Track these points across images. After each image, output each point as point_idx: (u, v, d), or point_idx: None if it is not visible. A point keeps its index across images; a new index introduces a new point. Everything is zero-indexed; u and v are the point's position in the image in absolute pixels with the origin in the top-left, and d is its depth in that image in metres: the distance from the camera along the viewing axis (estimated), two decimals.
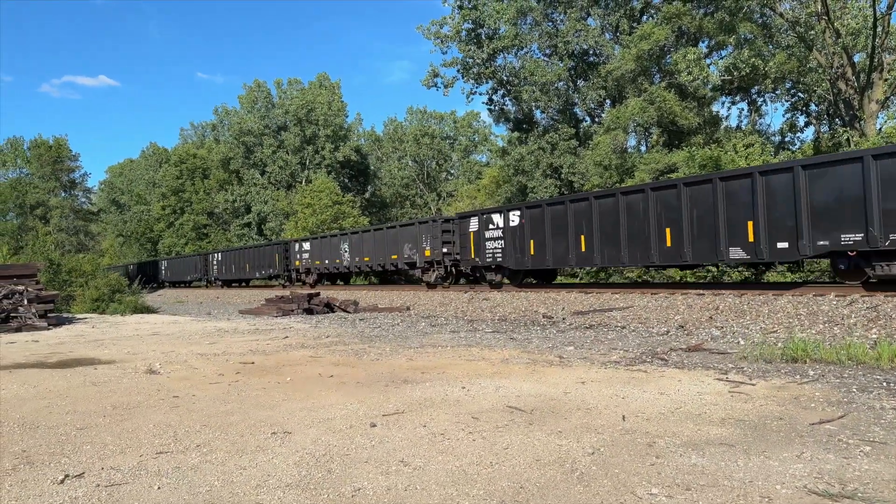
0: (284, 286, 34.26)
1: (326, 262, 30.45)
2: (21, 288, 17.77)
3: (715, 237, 13.77)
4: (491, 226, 20.04)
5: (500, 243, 19.75)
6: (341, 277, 32.62)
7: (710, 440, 4.70)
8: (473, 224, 20.98)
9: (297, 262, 33.11)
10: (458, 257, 22.29)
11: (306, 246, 32.60)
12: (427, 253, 23.46)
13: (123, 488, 4.06)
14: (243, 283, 42.68)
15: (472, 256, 20.90)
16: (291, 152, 56.21)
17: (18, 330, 16.48)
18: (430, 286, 23.39)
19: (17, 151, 65.24)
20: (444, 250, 22.86)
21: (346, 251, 28.83)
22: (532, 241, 18.47)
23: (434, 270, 23.46)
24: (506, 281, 20.39)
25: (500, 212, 19.89)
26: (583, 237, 16.87)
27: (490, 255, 20.12)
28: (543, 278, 21.09)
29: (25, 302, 17.47)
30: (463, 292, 20.54)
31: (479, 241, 20.56)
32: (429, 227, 23.59)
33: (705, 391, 6.38)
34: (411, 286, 28.05)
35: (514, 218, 19.18)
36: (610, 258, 16.27)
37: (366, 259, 27.36)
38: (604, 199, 16.46)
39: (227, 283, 43.14)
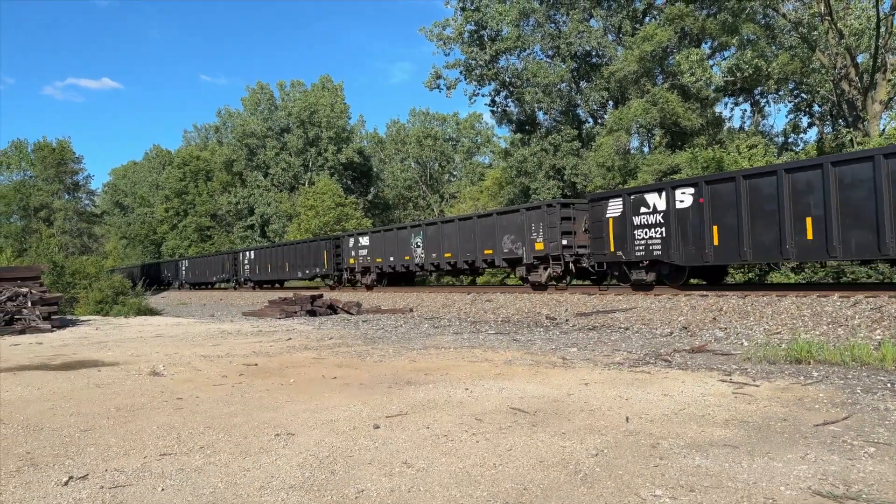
0: (333, 288, 30.27)
1: (391, 258, 25.97)
2: (25, 290, 17.81)
3: None
4: (643, 209, 15.66)
5: (658, 231, 15.31)
6: (406, 277, 28.24)
7: (713, 441, 4.69)
8: (614, 207, 16.51)
9: (352, 260, 28.53)
10: (584, 251, 18.18)
11: (364, 241, 27.95)
12: (539, 246, 18.94)
13: (127, 490, 4.07)
14: (276, 285, 38.17)
15: (612, 250, 16.43)
16: (294, 154, 56.35)
17: (22, 332, 16.52)
18: (538, 288, 19.20)
19: (21, 154, 65.48)
20: (564, 242, 18.30)
21: (418, 246, 24.53)
22: (716, 228, 14.17)
23: (547, 268, 18.94)
24: (650, 281, 16.01)
25: (659, 190, 15.45)
26: (809, 220, 12.55)
27: (641, 247, 15.74)
28: (711, 277, 17.04)
29: (29, 304, 17.51)
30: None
31: (622, 229, 16.12)
32: (541, 215, 18.93)
33: (709, 392, 6.37)
34: (507, 287, 24.04)
35: (685, 196, 14.80)
36: (860, 248, 11.89)
37: (447, 255, 23.12)
38: (849, 166, 12.04)
39: (260, 285, 38.60)
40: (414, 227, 25.33)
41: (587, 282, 20.42)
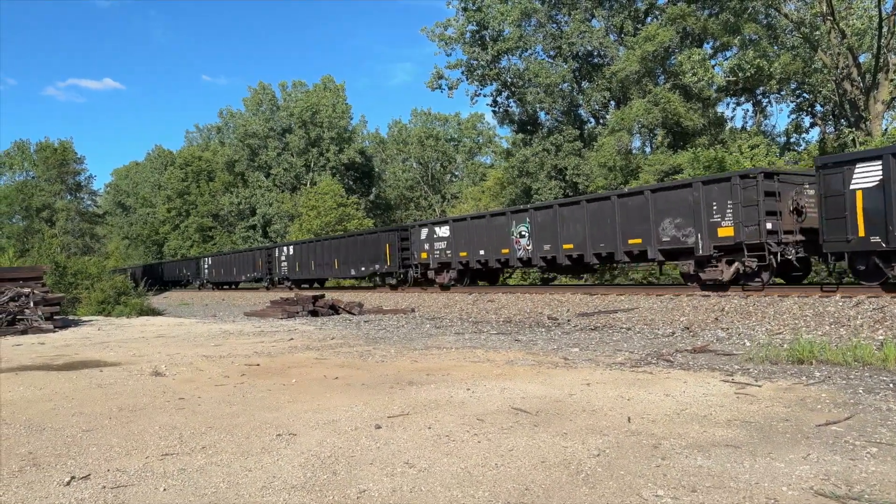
0: (395, 288, 26.10)
1: (482, 252, 21.43)
2: (27, 290, 17.83)
3: None
4: None
5: None
6: (491, 275, 24.05)
7: (715, 442, 4.69)
8: (865, 174, 11.92)
9: (424, 255, 24.03)
10: (790, 238, 13.88)
11: (442, 231, 23.32)
12: (725, 232, 14.32)
13: (129, 490, 4.08)
14: (316, 284, 34.07)
15: (861, 235, 11.91)
16: (296, 154, 56.40)
17: (25, 332, 16.54)
18: (713, 288, 14.75)
19: (24, 154, 65.61)
20: (769, 226, 13.59)
21: (522, 236, 19.81)
22: None
23: (734, 262, 14.40)
24: None
25: None
26: None
27: None
28: None
29: (31, 304, 17.53)
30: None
31: (879, 204, 11.52)
32: (731, 190, 14.20)
33: (711, 393, 6.36)
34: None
35: None
36: None
37: (566, 247, 18.26)
38: None
39: (298, 284, 34.01)
40: (516, 213, 20.46)
41: (780, 280, 15.57)
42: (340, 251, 29.82)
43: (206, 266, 45.52)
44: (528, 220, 19.78)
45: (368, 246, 27.63)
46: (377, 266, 26.82)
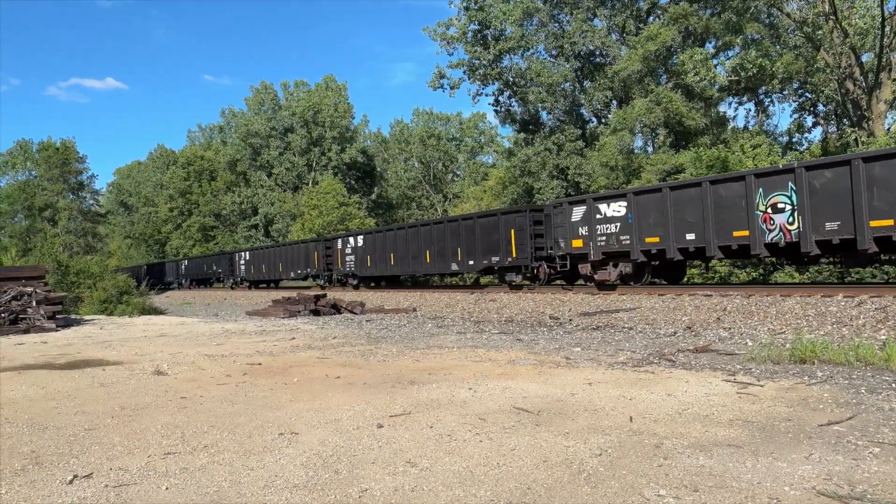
0: (519, 288, 20.17)
1: (691, 236, 14.97)
2: (29, 289, 17.86)
3: None
4: None
5: None
6: (669, 270, 17.67)
7: (717, 441, 4.68)
8: None
9: (577, 242, 17.68)
10: None
11: (612, 209, 16.95)
12: None
13: (131, 489, 4.08)
14: (384, 283, 28.86)
15: None
16: (298, 154, 56.46)
17: (27, 331, 16.57)
18: None
19: (26, 154, 65.68)
20: None
21: (779, 210, 13.34)
22: None
23: None
24: None
25: None
26: None
27: None
28: None
29: (34, 303, 17.56)
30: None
31: None
32: None
33: (713, 392, 6.36)
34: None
35: None
36: None
37: (878, 224, 11.95)
38: None
39: (367, 283, 28.80)
40: (767, 177, 13.71)
41: None
42: (434, 240, 23.94)
43: (242, 262, 40.71)
44: (791, 184, 13.22)
45: (481, 232, 21.71)
46: (495, 258, 21.02)
